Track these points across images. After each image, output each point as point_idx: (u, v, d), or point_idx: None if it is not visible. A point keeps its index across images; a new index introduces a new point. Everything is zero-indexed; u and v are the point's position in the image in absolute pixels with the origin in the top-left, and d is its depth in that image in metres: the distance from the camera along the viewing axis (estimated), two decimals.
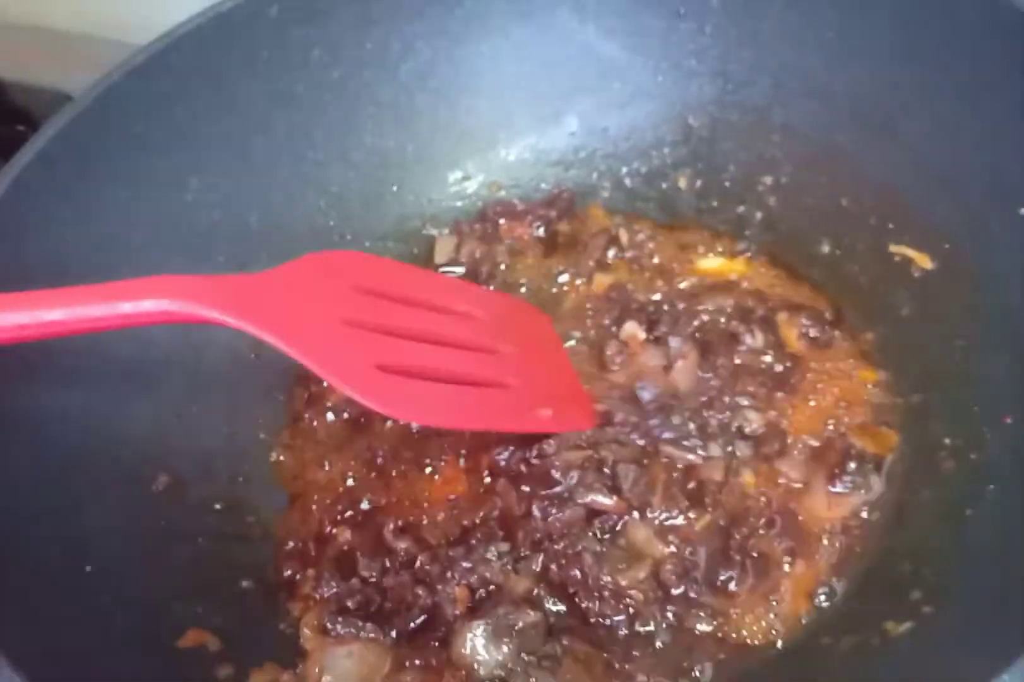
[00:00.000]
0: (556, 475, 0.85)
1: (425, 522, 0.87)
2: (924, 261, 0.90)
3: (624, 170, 1.04)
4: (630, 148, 1.04)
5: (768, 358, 0.92)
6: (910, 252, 0.91)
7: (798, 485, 0.85)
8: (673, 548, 0.83)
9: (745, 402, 0.89)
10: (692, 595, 0.81)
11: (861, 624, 0.77)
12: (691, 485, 0.86)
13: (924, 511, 0.82)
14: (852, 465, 0.85)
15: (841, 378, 0.91)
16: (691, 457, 0.87)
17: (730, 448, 0.87)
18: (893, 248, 0.92)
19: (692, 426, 0.88)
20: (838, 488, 0.84)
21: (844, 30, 0.92)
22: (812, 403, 0.90)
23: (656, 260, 1.00)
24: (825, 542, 0.83)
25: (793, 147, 0.98)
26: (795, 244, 0.98)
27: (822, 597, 0.80)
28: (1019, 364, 0.81)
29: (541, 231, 1.03)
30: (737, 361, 0.92)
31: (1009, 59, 0.81)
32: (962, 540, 0.77)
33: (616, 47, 1.02)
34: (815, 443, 0.87)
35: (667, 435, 0.87)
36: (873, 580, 0.80)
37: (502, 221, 1.03)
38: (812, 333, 0.93)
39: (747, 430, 0.88)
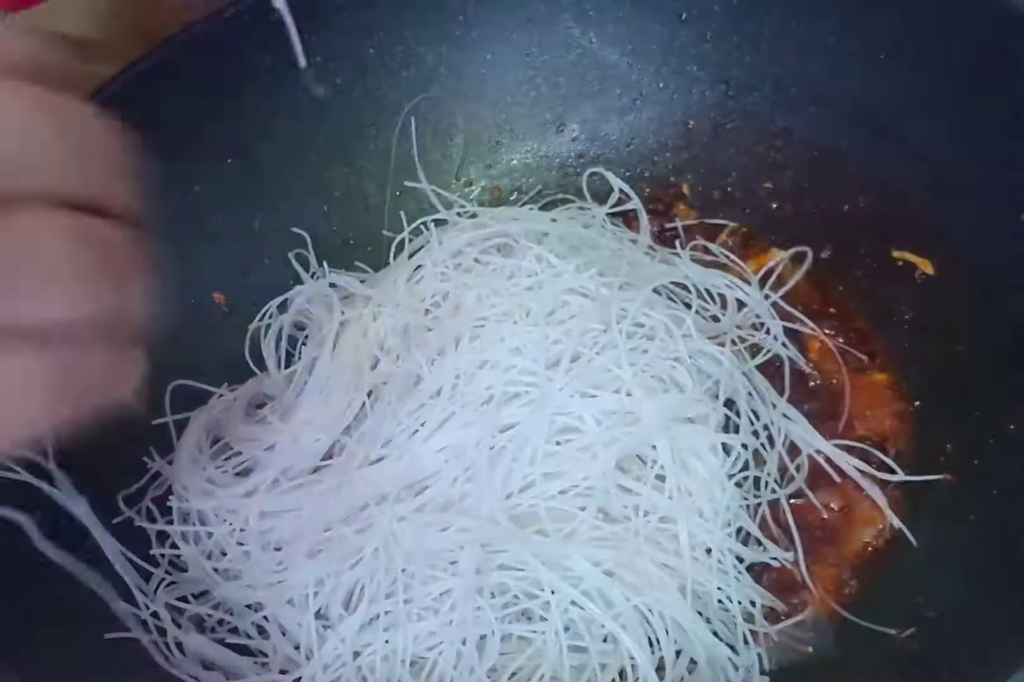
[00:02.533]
0: None
1: None
2: (926, 266, 0.90)
3: (627, 175, 1.04)
4: (632, 153, 1.04)
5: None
6: (912, 257, 0.91)
7: (840, 511, 0.84)
8: None
9: None
10: None
11: (863, 630, 0.76)
12: None
13: (927, 516, 0.82)
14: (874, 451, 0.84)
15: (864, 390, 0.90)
16: None
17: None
18: (895, 253, 0.92)
19: None
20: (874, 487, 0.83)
21: (845, 36, 0.92)
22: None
23: None
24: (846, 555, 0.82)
25: (795, 152, 0.98)
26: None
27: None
28: (1021, 370, 0.82)
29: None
30: None
31: (1011, 63, 0.81)
32: (966, 545, 0.77)
33: (617, 53, 1.02)
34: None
35: None
36: (876, 586, 0.80)
37: None
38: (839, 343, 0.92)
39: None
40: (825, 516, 0.84)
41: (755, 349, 0.91)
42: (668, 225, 1.00)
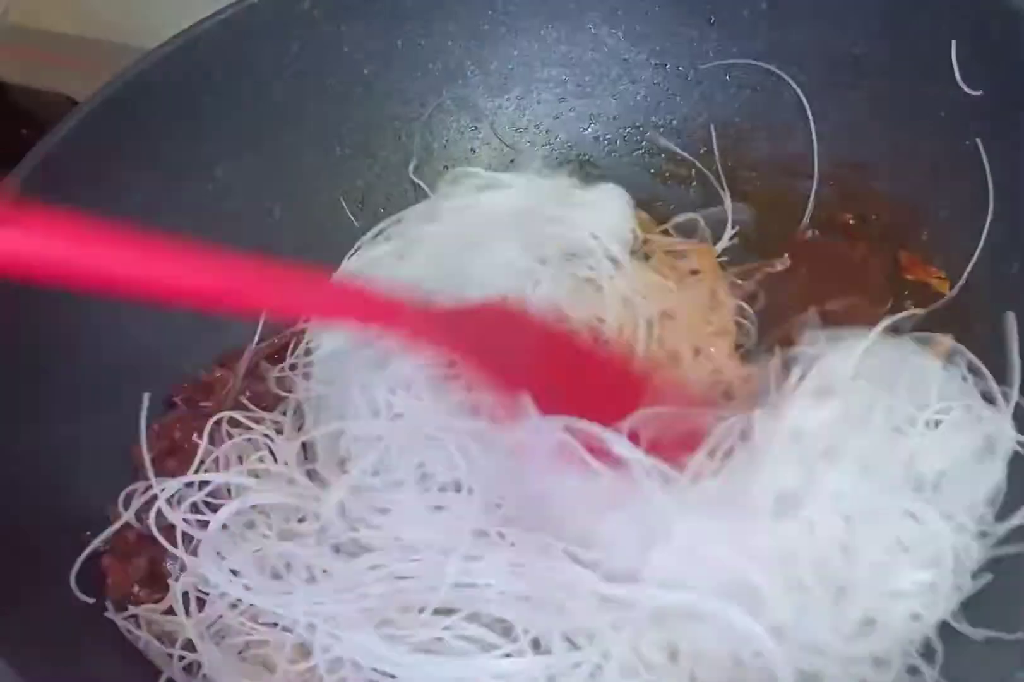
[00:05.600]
0: None
1: None
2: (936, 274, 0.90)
3: (651, 173, 1.05)
4: (657, 154, 1.04)
5: None
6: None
7: None
8: None
9: None
10: None
11: None
12: None
13: None
14: None
15: None
16: None
17: None
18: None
19: None
20: None
21: (874, 42, 0.92)
22: None
23: None
24: None
25: (825, 154, 0.97)
26: None
27: None
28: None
29: None
30: None
31: (1011, 63, 0.82)
32: None
33: (645, 53, 1.02)
34: None
35: None
36: None
37: None
38: None
39: None
40: None
41: None
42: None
